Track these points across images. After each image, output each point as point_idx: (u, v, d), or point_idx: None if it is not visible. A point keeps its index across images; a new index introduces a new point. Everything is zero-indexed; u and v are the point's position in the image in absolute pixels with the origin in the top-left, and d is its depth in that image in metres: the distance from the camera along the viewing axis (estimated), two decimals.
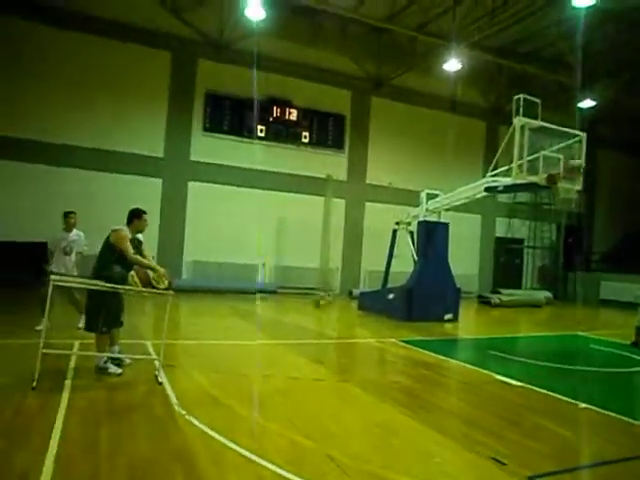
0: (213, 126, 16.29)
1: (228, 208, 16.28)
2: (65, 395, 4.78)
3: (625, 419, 5.15)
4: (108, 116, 14.88)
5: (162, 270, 5.70)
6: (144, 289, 5.54)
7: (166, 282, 5.70)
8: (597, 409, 5.38)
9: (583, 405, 5.48)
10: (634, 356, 8.93)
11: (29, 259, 10.97)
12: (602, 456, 4.12)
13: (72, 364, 5.88)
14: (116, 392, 5.09)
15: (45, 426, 3.97)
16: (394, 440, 4.27)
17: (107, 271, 5.50)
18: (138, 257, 5.66)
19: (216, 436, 4.00)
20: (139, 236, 6.06)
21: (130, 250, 5.57)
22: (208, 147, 16.19)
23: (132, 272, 5.54)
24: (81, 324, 7.16)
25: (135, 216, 5.95)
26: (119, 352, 5.99)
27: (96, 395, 4.91)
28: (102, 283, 5.31)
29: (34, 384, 4.86)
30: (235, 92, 16.42)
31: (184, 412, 4.50)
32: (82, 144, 14.51)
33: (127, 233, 5.68)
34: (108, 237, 5.72)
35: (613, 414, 5.25)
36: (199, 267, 15.74)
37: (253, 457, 3.66)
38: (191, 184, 15.94)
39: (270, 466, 3.52)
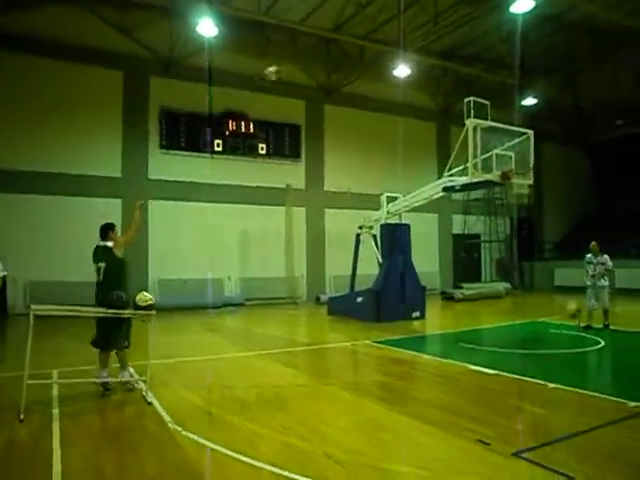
0: (170, 143, 16.23)
1: (190, 224, 16.24)
2: (56, 424, 4.76)
3: (589, 393, 5.62)
4: (62, 139, 14.61)
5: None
6: (137, 312, 5.68)
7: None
8: (564, 387, 5.82)
9: (552, 385, 5.91)
10: (589, 336, 9.54)
11: None
12: (574, 428, 4.50)
13: (55, 392, 5.84)
14: (107, 416, 5.13)
15: (43, 457, 3.97)
16: (384, 434, 4.51)
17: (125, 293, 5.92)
18: (129, 233, 6.27)
19: (216, 447, 4.13)
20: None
21: (122, 238, 6.18)
22: (166, 164, 16.11)
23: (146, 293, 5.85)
24: None
25: (109, 229, 6.15)
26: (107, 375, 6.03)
27: (88, 421, 4.93)
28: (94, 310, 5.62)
29: (21, 416, 4.82)
30: (190, 108, 16.41)
31: (179, 428, 4.60)
32: (36, 169, 14.16)
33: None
34: (111, 260, 5.92)
35: (578, 390, 5.72)
36: (165, 285, 15.62)
37: (255, 463, 3.81)
38: (151, 202, 15.78)
39: (274, 469, 3.69)
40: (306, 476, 3.56)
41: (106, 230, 6.11)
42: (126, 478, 3.63)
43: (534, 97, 19.95)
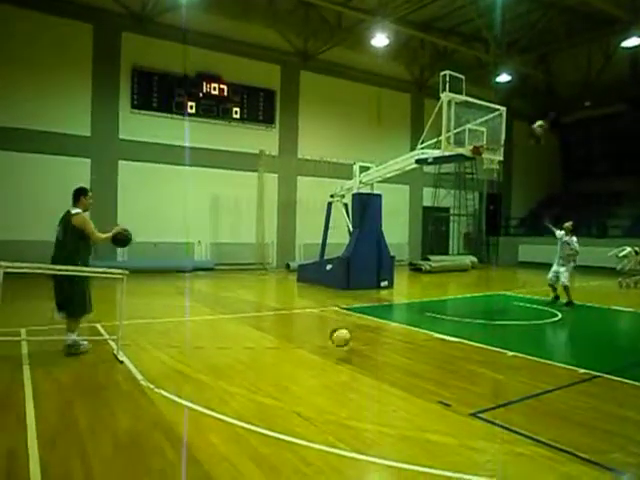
0: (142, 103, 15.78)
1: (161, 187, 16.03)
2: (27, 380, 4.80)
3: (545, 361, 5.95)
4: (28, 93, 14.00)
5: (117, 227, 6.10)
6: (104, 270, 5.68)
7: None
8: (523, 355, 6.16)
9: (511, 353, 6.24)
10: (550, 309, 9.98)
11: None
12: (528, 392, 4.80)
13: (25, 350, 5.85)
14: (79, 373, 5.17)
15: (16, 410, 4.03)
16: (353, 395, 4.72)
17: (82, 256, 5.79)
18: (101, 235, 5.88)
19: (188, 404, 4.26)
20: None
21: (95, 232, 5.80)
22: (137, 125, 15.70)
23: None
24: None
25: (82, 194, 6.02)
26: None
27: (60, 377, 4.97)
28: (66, 267, 5.49)
29: None
30: (163, 67, 15.96)
31: (152, 386, 4.70)
32: (1, 123, 13.66)
33: (87, 215, 5.88)
34: (68, 222, 5.77)
35: (535, 358, 6.04)
36: (134, 248, 15.29)
37: (227, 419, 3.97)
38: (121, 163, 15.47)
39: (245, 425, 3.85)
40: (276, 431, 3.73)
41: (78, 194, 5.98)
42: (101, 431, 3.72)
43: (508, 74, 20.11)
